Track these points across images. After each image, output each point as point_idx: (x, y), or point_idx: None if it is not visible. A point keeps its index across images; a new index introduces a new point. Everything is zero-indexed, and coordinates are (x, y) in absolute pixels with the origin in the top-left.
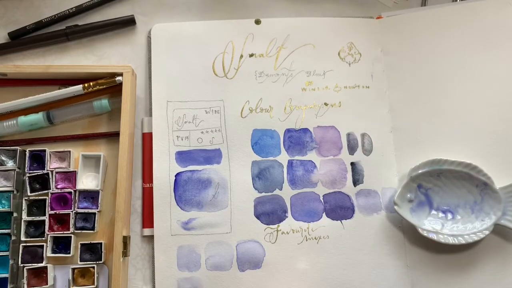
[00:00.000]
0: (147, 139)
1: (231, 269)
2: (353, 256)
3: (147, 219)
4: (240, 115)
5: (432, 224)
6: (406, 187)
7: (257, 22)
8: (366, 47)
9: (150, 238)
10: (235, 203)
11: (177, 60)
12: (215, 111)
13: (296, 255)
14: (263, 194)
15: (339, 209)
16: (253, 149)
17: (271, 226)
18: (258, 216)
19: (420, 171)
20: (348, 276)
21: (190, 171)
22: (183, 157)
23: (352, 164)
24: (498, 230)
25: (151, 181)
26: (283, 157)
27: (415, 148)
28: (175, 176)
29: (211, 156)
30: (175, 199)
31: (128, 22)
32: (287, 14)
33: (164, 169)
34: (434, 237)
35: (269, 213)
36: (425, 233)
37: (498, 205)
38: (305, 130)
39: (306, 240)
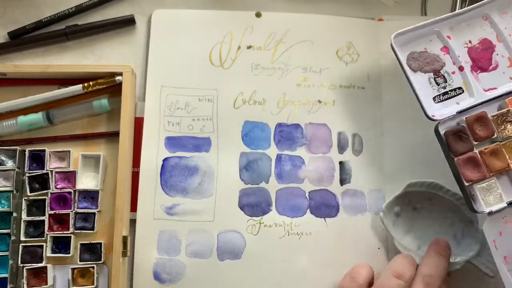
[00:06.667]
0: (139, 124)
1: (211, 257)
2: (334, 255)
3: (133, 203)
4: (233, 105)
5: (410, 242)
6: (397, 199)
7: (258, 15)
8: (365, 48)
9: (135, 222)
10: (220, 193)
11: (175, 46)
12: (208, 99)
13: (276, 249)
14: (249, 185)
15: (324, 206)
16: (243, 140)
17: (254, 218)
18: (242, 207)
19: (416, 189)
20: (327, 274)
21: (178, 157)
22: (172, 142)
23: (341, 163)
24: (468, 268)
25: (139, 165)
26: (272, 151)
27: (405, 154)
28: (163, 160)
29: (200, 144)
30: (161, 184)
31: (128, 22)
32: (287, 11)
33: (153, 153)
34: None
35: (254, 205)
36: (401, 248)
37: (475, 245)
38: (297, 126)
39: (288, 235)
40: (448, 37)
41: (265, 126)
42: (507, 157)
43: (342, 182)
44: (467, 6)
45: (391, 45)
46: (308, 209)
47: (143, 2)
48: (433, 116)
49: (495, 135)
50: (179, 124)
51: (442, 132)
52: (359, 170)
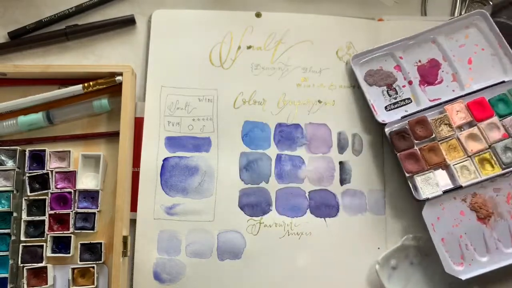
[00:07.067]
0: (139, 124)
1: (211, 257)
2: (334, 255)
3: (134, 203)
4: (233, 105)
5: None
6: (394, 252)
7: (258, 15)
8: (364, 48)
9: (135, 222)
10: (220, 193)
11: (175, 46)
12: (208, 99)
13: (276, 249)
14: (249, 185)
15: (324, 206)
16: (243, 140)
17: (254, 218)
18: (242, 207)
19: (414, 243)
20: (327, 274)
21: (178, 157)
22: (172, 142)
23: (341, 163)
24: None
25: (139, 165)
26: (272, 151)
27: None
28: (163, 160)
29: (201, 144)
30: (161, 184)
31: (128, 22)
32: (287, 11)
33: (153, 153)
34: None
35: (253, 205)
36: None
37: None
38: (297, 126)
39: (288, 235)
40: (401, 57)
41: (265, 126)
42: (444, 154)
43: (342, 182)
44: (466, 7)
45: (350, 64)
46: (308, 209)
47: (143, 2)
48: (383, 121)
49: (434, 135)
50: (179, 124)
51: (387, 132)
52: (359, 170)
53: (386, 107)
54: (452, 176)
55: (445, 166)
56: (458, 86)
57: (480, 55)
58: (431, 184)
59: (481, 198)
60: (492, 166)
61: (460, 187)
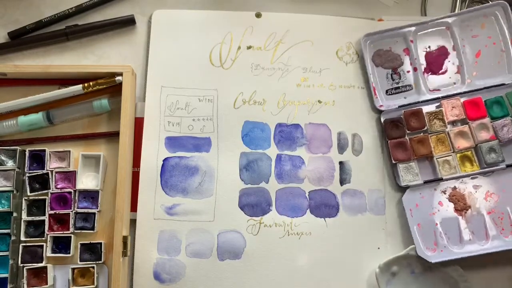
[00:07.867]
0: (139, 124)
1: (211, 257)
2: (334, 255)
3: (134, 203)
4: (233, 105)
5: None
6: (398, 259)
7: (258, 15)
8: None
9: (135, 222)
10: (220, 193)
11: (175, 46)
12: (208, 99)
13: (276, 249)
14: (249, 185)
15: (324, 206)
16: (243, 140)
17: (254, 218)
18: (242, 207)
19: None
20: (326, 274)
21: (179, 157)
22: (172, 142)
23: (341, 163)
24: None
25: (139, 165)
26: (272, 151)
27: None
28: (163, 161)
29: (201, 144)
30: (161, 184)
31: (128, 22)
32: (287, 11)
33: (153, 153)
34: None
35: (254, 205)
36: None
37: None
38: (297, 126)
39: (288, 235)
40: (411, 40)
41: (265, 126)
42: (432, 146)
43: (342, 182)
44: (466, 8)
45: (361, 42)
46: (308, 209)
47: (143, 2)
48: (380, 106)
49: (426, 128)
50: (179, 124)
51: (382, 120)
52: (359, 170)
53: (387, 91)
54: (434, 169)
55: (430, 158)
56: (460, 79)
57: (490, 49)
58: (411, 173)
59: (460, 192)
60: (472, 165)
61: (441, 179)
